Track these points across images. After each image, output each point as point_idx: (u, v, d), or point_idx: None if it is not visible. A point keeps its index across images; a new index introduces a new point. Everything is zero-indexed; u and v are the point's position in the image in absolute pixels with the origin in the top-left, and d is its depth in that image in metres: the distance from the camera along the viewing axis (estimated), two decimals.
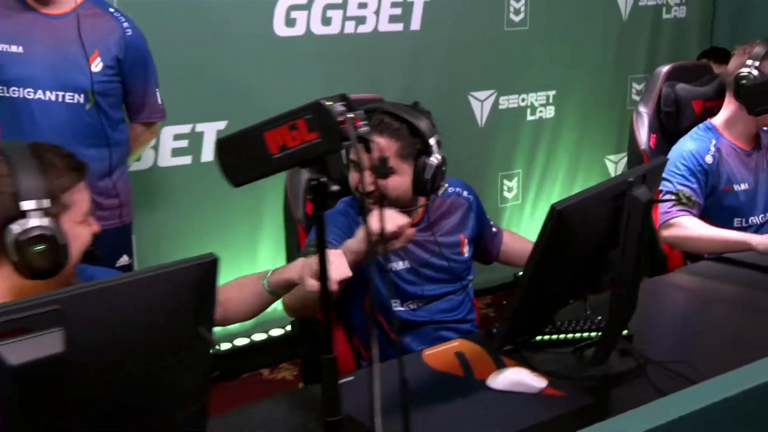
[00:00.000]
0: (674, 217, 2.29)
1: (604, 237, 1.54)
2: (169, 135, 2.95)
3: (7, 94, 2.28)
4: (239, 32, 3.03)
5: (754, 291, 2.11)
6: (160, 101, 2.55)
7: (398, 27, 3.44)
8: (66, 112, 2.30)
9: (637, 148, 2.53)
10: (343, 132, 0.87)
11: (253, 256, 3.31)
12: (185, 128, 2.99)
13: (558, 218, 1.37)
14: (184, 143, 3.00)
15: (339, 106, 0.88)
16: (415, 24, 3.48)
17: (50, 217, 1.31)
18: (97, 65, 2.31)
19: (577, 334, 1.74)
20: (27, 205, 1.29)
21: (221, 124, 3.06)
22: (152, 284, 1.05)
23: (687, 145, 2.41)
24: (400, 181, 1.85)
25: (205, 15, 2.96)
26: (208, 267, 1.09)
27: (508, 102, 3.87)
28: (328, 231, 1.08)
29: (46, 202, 1.30)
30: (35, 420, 0.91)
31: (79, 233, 1.39)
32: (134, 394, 1.08)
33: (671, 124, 2.59)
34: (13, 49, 2.26)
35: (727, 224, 2.32)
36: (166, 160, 2.98)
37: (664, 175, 2.46)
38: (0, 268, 1.34)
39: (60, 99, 2.29)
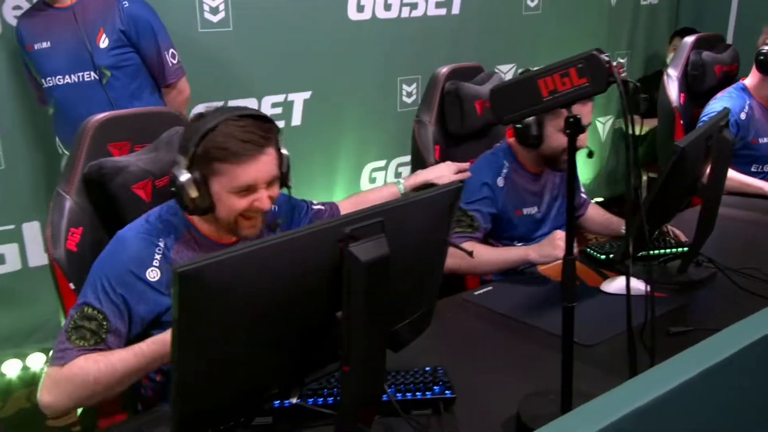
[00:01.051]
0: None
1: (698, 168, 1.65)
2: (268, 103, 2.99)
3: (47, 85, 2.30)
4: (321, 18, 3.06)
5: None
6: (174, 61, 2.42)
7: (442, 12, 3.48)
8: (86, 89, 2.28)
9: (669, 106, 2.64)
10: (610, 77, 0.95)
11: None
12: (279, 97, 3.02)
13: (681, 154, 1.47)
14: (279, 110, 3.04)
15: (604, 56, 0.96)
16: (455, 9, 3.52)
17: (193, 173, 1.29)
18: (104, 41, 2.27)
19: (661, 250, 1.86)
20: (179, 158, 1.32)
21: (307, 94, 3.10)
22: (420, 206, 1.12)
23: (724, 103, 2.51)
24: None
25: (295, 4, 2.98)
26: (456, 192, 1.17)
27: None
28: None
29: (188, 161, 1.31)
30: (369, 307, 0.99)
31: (227, 200, 1.32)
32: (401, 291, 1.16)
33: (697, 85, 2.70)
34: (44, 45, 2.28)
35: (746, 170, 2.46)
36: None
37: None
38: None
39: (80, 79, 2.28)
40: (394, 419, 1.18)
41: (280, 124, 3.05)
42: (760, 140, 2.49)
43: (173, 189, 1.27)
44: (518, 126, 1.74)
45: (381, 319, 1.05)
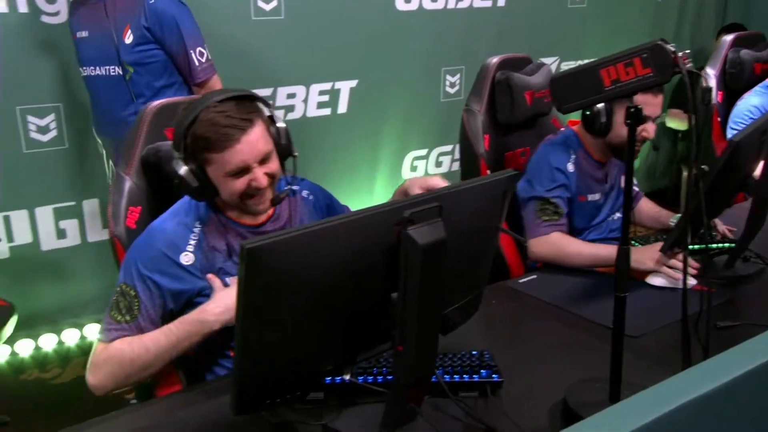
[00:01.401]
0: None
1: (751, 164, 1.60)
2: (315, 91, 2.99)
3: (83, 74, 2.30)
4: (369, 8, 3.05)
5: None
6: (203, 59, 2.27)
7: (488, 3, 3.44)
8: (113, 83, 2.23)
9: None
10: (675, 67, 0.92)
11: (371, 188, 3.38)
12: (327, 85, 3.03)
13: (735, 149, 1.42)
14: (326, 98, 3.04)
15: (670, 47, 0.93)
16: (501, 1, 3.47)
17: (190, 165, 1.29)
18: (129, 37, 2.18)
19: (709, 245, 1.81)
20: (173, 151, 1.32)
21: (353, 83, 3.10)
22: (476, 191, 1.11)
23: (752, 101, 2.44)
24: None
25: None
26: (511, 180, 1.16)
27: (568, 67, 3.87)
28: None
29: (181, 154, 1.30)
30: (424, 289, 0.99)
31: (225, 184, 1.31)
32: (453, 275, 1.16)
33: (736, 83, 2.62)
34: (84, 34, 2.26)
35: None
36: (313, 111, 3.02)
37: (733, 122, 2.51)
38: None
39: (107, 73, 2.23)
40: (442, 400, 1.17)
41: (326, 111, 3.06)
42: None
43: (176, 182, 1.28)
44: (587, 113, 1.70)
45: (434, 302, 1.04)
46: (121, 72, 2.19)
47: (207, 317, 1.24)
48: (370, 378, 1.20)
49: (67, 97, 2.53)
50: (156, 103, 1.54)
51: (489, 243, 1.21)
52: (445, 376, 1.22)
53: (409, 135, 3.40)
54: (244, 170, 1.27)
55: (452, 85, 3.46)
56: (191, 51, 2.21)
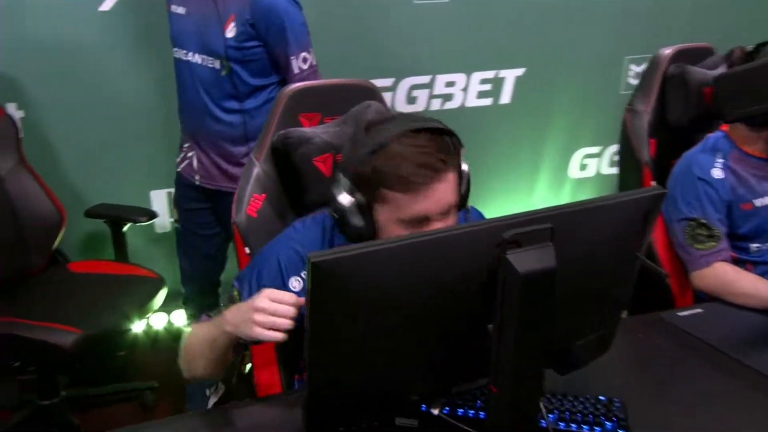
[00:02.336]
0: None
1: None
2: (476, 79, 2.87)
3: (174, 55, 2.06)
4: None
5: None
6: (305, 66, 1.99)
7: None
8: (208, 74, 2.00)
9: None
10: None
11: (531, 187, 3.19)
12: (490, 74, 2.89)
13: None
14: (488, 87, 2.91)
15: None
16: None
17: (358, 197, 1.12)
18: (231, 30, 1.93)
19: None
20: (339, 177, 1.15)
21: (519, 71, 2.93)
22: (604, 212, 0.95)
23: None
24: None
25: None
26: (656, 199, 0.97)
27: None
28: None
29: (350, 184, 1.13)
30: (525, 325, 0.86)
31: (393, 231, 1.13)
32: (570, 308, 1.00)
33: None
34: (180, 10, 2.01)
35: None
36: (473, 101, 2.91)
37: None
38: None
39: (202, 62, 1.99)
40: None
41: (488, 101, 2.92)
42: None
43: (334, 213, 1.16)
44: None
45: (540, 339, 0.91)
46: (218, 66, 1.97)
47: (224, 317, 1.10)
48: (472, 412, 1.08)
49: None
50: (293, 86, 1.52)
51: (624, 273, 1.03)
52: (560, 423, 1.08)
53: (580, 130, 3.15)
54: (421, 221, 1.09)
55: (636, 75, 3.13)
56: (293, 57, 1.97)
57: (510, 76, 2.92)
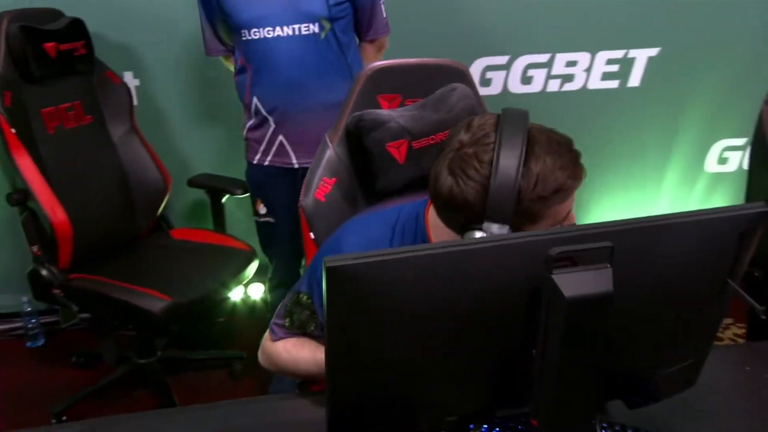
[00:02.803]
0: None
1: None
2: (602, 59, 2.65)
3: (248, 38, 1.96)
4: None
5: None
6: (384, 14, 2.07)
7: None
8: (304, 45, 1.94)
9: None
10: None
11: (658, 181, 2.92)
12: (618, 53, 2.65)
13: None
14: (614, 68, 2.67)
15: None
16: None
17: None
18: None
19: None
20: (489, 227, 0.97)
21: (653, 51, 2.66)
22: (684, 230, 0.80)
23: None
24: None
25: None
26: (757, 219, 0.82)
27: None
28: None
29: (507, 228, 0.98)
30: (571, 354, 0.75)
31: None
32: (637, 337, 0.88)
33: None
34: None
35: None
36: (596, 83, 2.69)
37: None
38: None
39: (296, 32, 1.93)
40: None
41: (613, 84, 2.69)
42: None
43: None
44: None
45: (590, 370, 0.80)
46: (317, 30, 1.94)
47: None
48: None
49: None
50: (375, 65, 1.46)
51: (711, 302, 0.88)
52: None
53: (722, 119, 2.83)
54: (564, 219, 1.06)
55: None
56: (381, 2, 2.05)
57: (642, 56, 2.66)
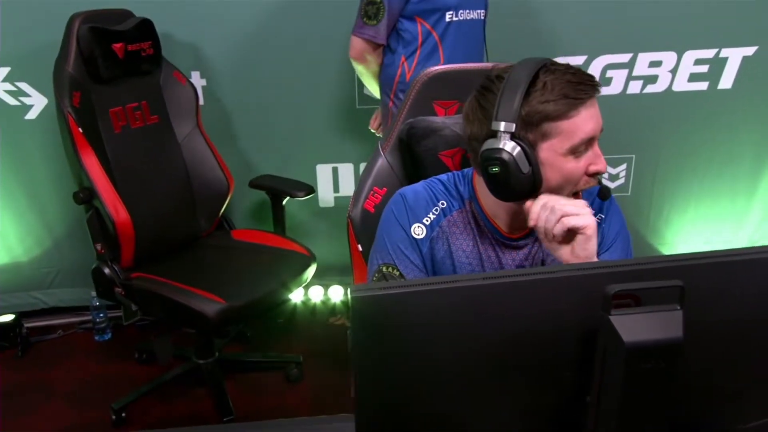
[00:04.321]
0: None
1: None
2: (690, 59, 2.45)
3: (446, 20, 2.06)
4: None
5: None
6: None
7: None
8: (473, 29, 2.11)
9: None
10: None
11: (751, 191, 2.69)
12: (708, 53, 2.45)
13: None
14: (703, 68, 2.48)
15: None
16: None
17: (519, 142, 1.03)
18: None
19: None
20: (498, 125, 1.03)
21: (749, 50, 2.45)
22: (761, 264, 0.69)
23: None
24: None
25: None
26: None
27: None
28: None
29: (514, 126, 1.03)
30: (632, 406, 0.65)
31: (563, 165, 1.05)
32: (711, 387, 0.76)
33: None
34: None
35: None
36: (682, 84, 2.50)
37: None
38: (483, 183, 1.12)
39: (475, 16, 2.10)
40: None
41: (702, 86, 2.50)
42: None
43: (493, 168, 1.03)
44: None
45: (654, 423, 0.69)
46: (483, 14, 2.14)
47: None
48: None
49: None
50: (429, 70, 1.38)
51: None
52: None
53: None
54: (589, 144, 1.06)
55: None
56: None
57: (735, 55, 2.45)
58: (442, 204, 1.16)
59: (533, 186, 1.05)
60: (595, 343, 0.66)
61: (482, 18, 2.14)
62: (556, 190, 1.06)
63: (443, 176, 1.20)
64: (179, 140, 2.26)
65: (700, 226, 2.71)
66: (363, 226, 1.29)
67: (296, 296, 2.61)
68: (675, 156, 2.60)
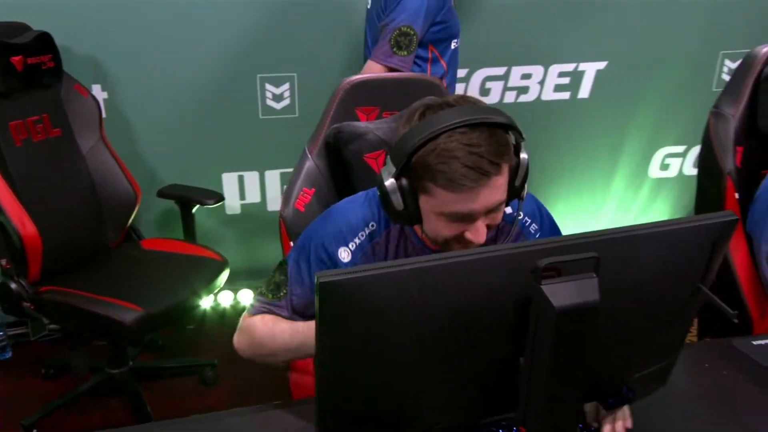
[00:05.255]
0: None
1: None
2: (555, 72, 2.67)
3: (452, 48, 2.12)
4: None
5: None
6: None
7: None
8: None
9: None
10: None
11: (607, 186, 2.97)
12: (569, 66, 2.68)
13: None
14: (566, 80, 2.70)
15: None
16: None
17: (400, 183, 1.00)
18: None
19: None
20: (390, 160, 1.00)
21: (601, 65, 2.70)
22: (662, 240, 0.80)
23: None
24: None
25: None
26: (727, 227, 0.82)
27: None
28: None
29: (395, 171, 0.99)
30: (559, 362, 0.74)
31: (434, 223, 1.02)
32: (619, 343, 0.86)
33: None
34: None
35: None
36: (549, 95, 2.71)
37: None
38: None
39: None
40: None
41: (565, 95, 2.72)
42: None
43: (379, 193, 1.03)
44: None
45: (576, 379, 0.78)
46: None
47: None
48: None
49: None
50: (351, 78, 1.43)
51: (684, 306, 0.88)
52: None
53: (664, 128, 2.89)
54: (465, 218, 1.00)
55: (731, 72, 2.84)
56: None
57: (591, 69, 2.70)
58: (372, 226, 1.12)
59: (410, 220, 1.03)
60: (527, 310, 0.74)
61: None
62: (433, 237, 1.04)
63: (372, 192, 1.16)
64: (84, 153, 2.15)
65: (568, 218, 2.94)
66: (294, 224, 1.31)
67: (206, 302, 2.56)
68: (546, 158, 2.81)
